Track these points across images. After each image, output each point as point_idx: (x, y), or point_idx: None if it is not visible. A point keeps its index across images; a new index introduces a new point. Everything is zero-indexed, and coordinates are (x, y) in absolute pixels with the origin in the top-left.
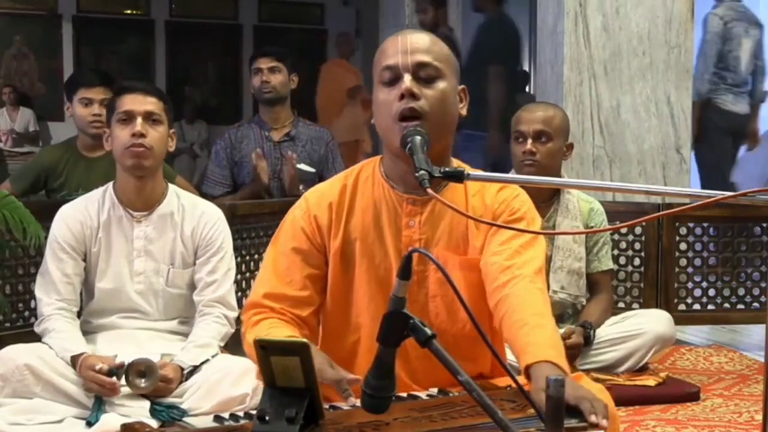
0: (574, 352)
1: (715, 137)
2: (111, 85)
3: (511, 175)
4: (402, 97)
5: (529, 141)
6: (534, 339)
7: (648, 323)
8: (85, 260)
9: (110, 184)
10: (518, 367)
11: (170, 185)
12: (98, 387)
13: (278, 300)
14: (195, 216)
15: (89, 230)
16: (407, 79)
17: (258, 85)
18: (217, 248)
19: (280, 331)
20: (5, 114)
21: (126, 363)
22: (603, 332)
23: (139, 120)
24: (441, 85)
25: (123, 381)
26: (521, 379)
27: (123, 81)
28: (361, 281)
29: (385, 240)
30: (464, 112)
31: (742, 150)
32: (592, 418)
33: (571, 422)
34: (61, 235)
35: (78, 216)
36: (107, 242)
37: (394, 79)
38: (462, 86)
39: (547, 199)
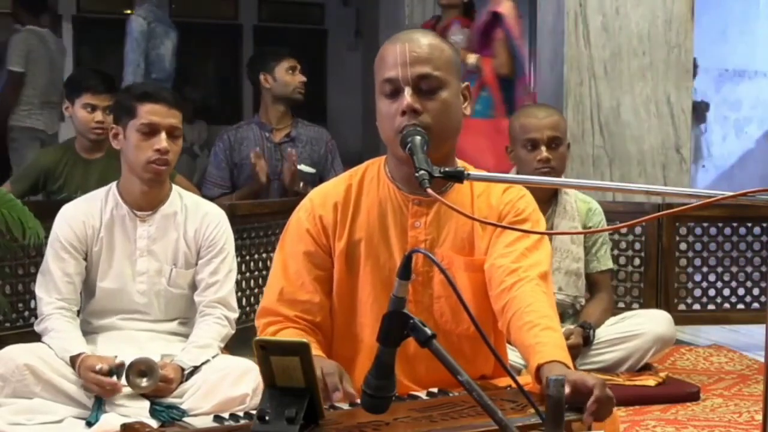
0: (574, 353)
1: None
2: (114, 91)
3: (512, 175)
4: (404, 112)
5: (543, 148)
6: (544, 339)
7: (648, 324)
8: (86, 259)
9: (113, 184)
10: (519, 368)
11: (173, 185)
12: (98, 388)
13: (291, 305)
14: (198, 216)
15: (91, 230)
16: (408, 94)
17: (295, 84)
18: (219, 249)
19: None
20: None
21: (126, 363)
22: (602, 332)
23: (164, 135)
24: (443, 94)
25: (123, 381)
26: (525, 379)
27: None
28: (366, 282)
29: (390, 240)
30: (468, 111)
31: None
32: (593, 407)
33: (569, 416)
34: (63, 235)
35: (80, 215)
36: (109, 242)
37: (395, 92)
38: (465, 84)
39: (546, 200)
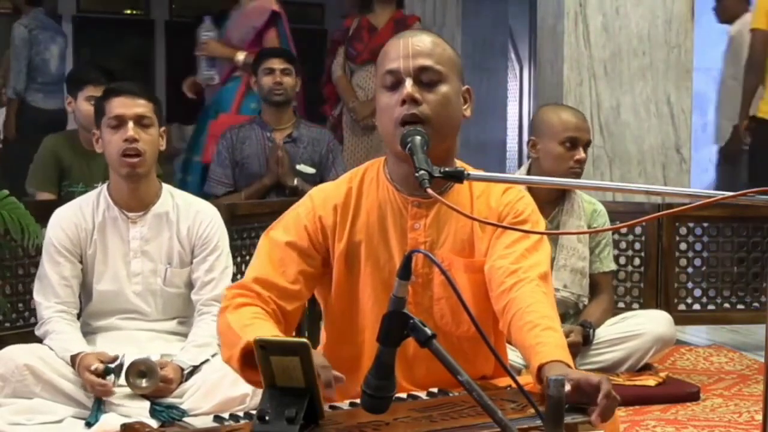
0: (573, 351)
1: (31, 131)
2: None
3: (513, 175)
4: (404, 102)
5: (581, 149)
6: (545, 340)
7: (648, 324)
8: (81, 262)
9: (104, 186)
10: (519, 368)
11: (164, 185)
12: (91, 387)
13: (268, 287)
14: (190, 215)
15: (84, 233)
16: (408, 85)
17: (270, 85)
18: (213, 247)
19: (262, 325)
20: (5, 113)
21: (121, 357)
22: (602, 332)
23: (130, 124)
24: (443, 89)
25: (123, 381)
26: (525, 379)
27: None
28: (366, 284)
29: (389, 242)
30: (468, 113)
31: None
32: (604, 402)
33: (576, 418)
34: (56, 239)
35: (72, 218)
36: (103, 244)
37: (396, 84)
38: (466, 87)
39: (554, 199)
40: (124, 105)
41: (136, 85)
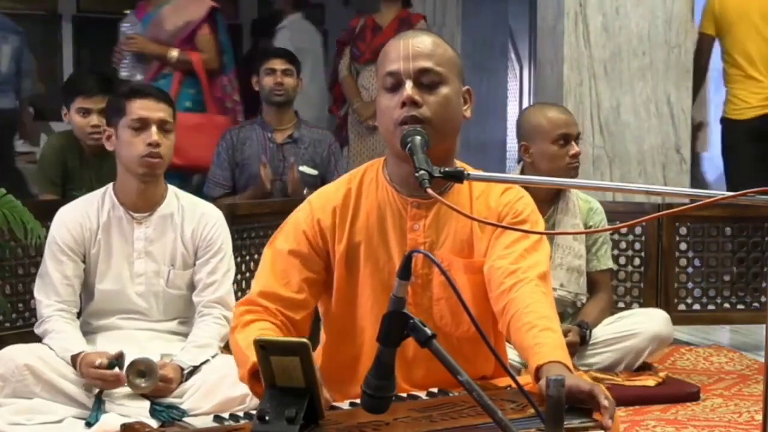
0: (570, 351)
1: None
2: (111, 92)
3: (512, 174)
4: (404, 104)
5: (575, 143)
6: (543, 340)
7: (644, 323)
8: (84, 262)
9: (110, 185)
10: (519, 368)
11: (169, 186)
12: (101, 382)
13: (273, 300)
14: (195, 217)
15: (88, 232)
16: (409, 87)
17: (271, 85)
18: (217, 249)
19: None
20: None
21: (123, 352)
22: (599, 332)
23: (154, 129)
24: (444, 90)
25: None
26: (525, 379)
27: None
28: (365, 285)
29: (389, 243)
30: (468, 114)
31: None
32: (605, 402)
33: (572, 422)
34: (60, 237)
35: (77, 217)
36: (107, 244)
37: (396, 85)
38: (466, 87)
39: (550, 198)
40: (148, 108)
41: (157, 89)
